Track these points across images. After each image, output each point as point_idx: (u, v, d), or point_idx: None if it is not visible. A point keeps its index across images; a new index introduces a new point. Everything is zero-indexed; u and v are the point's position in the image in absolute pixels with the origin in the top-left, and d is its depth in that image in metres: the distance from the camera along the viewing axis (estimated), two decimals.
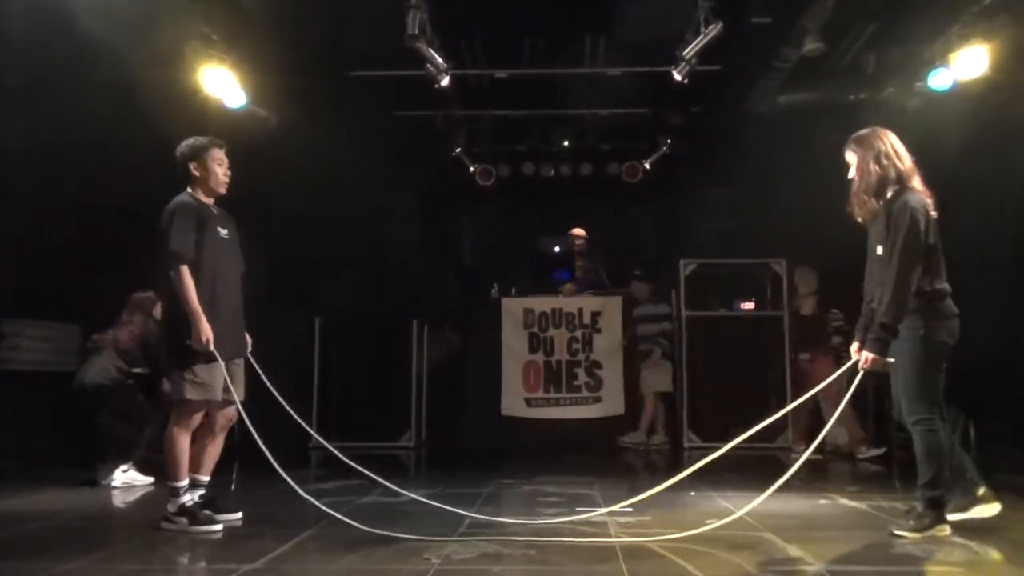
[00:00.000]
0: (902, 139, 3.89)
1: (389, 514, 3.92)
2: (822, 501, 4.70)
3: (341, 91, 7.82)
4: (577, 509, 4.33)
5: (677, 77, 6.62)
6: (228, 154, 4.08)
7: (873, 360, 3.60)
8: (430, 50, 6.23)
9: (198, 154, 4.00)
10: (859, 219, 3.85)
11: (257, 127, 7.28)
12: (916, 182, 3.71)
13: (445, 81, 6.69)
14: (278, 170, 7.90)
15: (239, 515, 4.07)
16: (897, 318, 3.57)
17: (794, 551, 3.42)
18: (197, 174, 4.00)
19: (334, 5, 6.29)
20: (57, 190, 6.56)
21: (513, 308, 7.97)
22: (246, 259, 4.22)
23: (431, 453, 7.80)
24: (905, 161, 3.73)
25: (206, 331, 3.74)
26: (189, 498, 3.86)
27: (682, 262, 8.02)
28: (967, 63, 6.14)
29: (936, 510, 3.61)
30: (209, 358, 3.77)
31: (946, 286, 3.66)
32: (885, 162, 3.70)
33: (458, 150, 9.55)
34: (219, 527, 3.82)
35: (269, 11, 6.24)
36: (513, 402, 7.77)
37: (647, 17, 6.48)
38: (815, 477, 5.86)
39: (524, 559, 3.27)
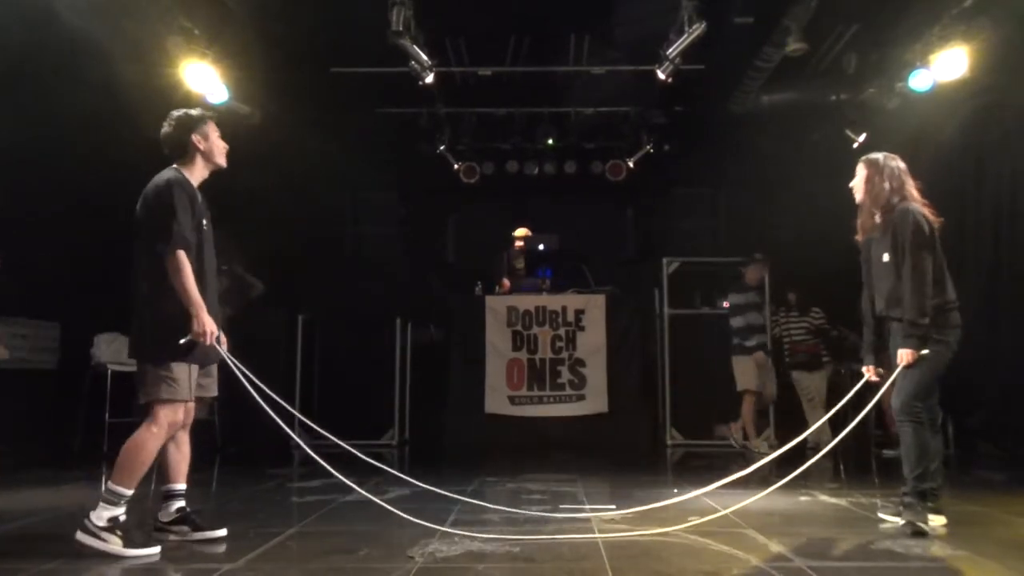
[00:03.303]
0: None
1: (373, 512, 3.90)
2: (803, 498, 4.73)
3: (325, 88, 7.78)
4: (560, 506, 4.35)
5: (661, 76, 6.65)
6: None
7: (911, 355, 3.72)
8: (414, 47, 6.21)
9: (199, 125, 3.65)
10: (858, 237, 4.05)
11: (239, 123, 7.22)
12: (915, 199, 3.92)
13: (429, 78, 6.67)
14: (261, 167, 7.83)
15: (223, 532, 3.61)
16: (923, 311, 3.69)
17: (776, 547, 3.44)
18: (201, 147, 3.64)
19: (318, 0, 6.26)
20: (35, 186, 6.48)
21: (497, 306, 7.97)
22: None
23: (414, 451, 7.79)
24: (910, 184, 3.95)
25: (211, 324, 3.41)
26: (123, 511, 3.34)
27: (665, 260, 8.07)
28: (947, 64, 6.22)
29: (927, 501, 3.73)
30: (194, 357, 3.44)
31: (954, 298, 3.82)
32: (894, 183, 3.91)
33: (442, 147, 9.54)
34: (157, 550, 3.31)
35: (251, 5, 6.20)
36: (497, 400, 7.77)
37: (632, 16, 6.51)
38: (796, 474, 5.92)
39: (507, 557, 3.27)
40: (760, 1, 6.38)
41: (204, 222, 3.61)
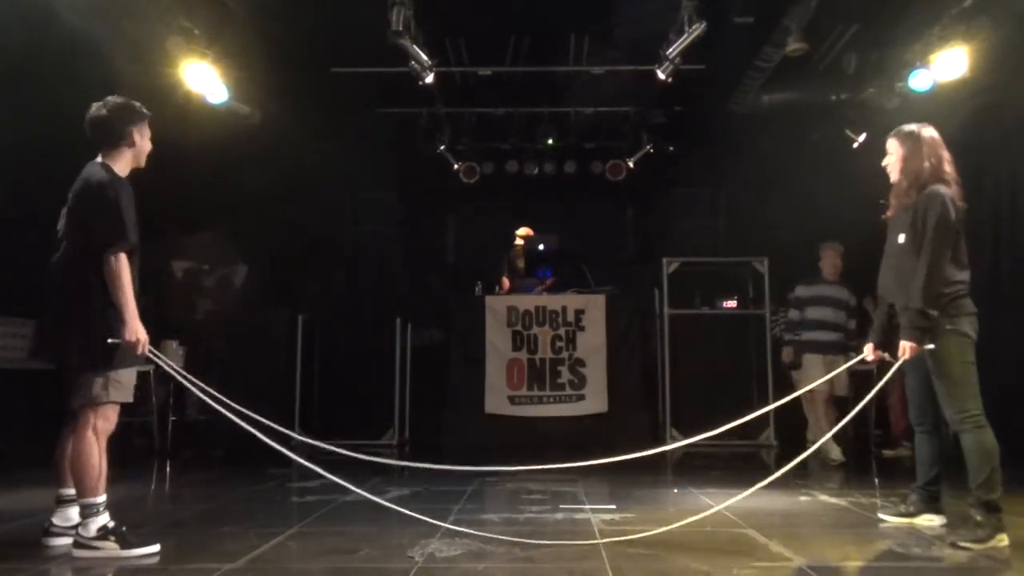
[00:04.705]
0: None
1: (373, 512, 3.90)
2: (803, 498, 4.73)
3: (325, 87, 7.78)
4: (560, 506, 4.35)
5: (661, 76, 6.65)
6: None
7: (912, 349, 3.53)
8: (414, 47, 6.21)
9: (139, 120, 3.58)
10: (889, 214, 3.80)
11: (239, 123, 7.22)
12: (950, 179, 3.66)
13: (429, 78, 6.68)
14: (261, 166, 7.84)
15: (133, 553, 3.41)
16: (931, 302, 3.47)
17: (776, 547, 3.44)
18: (136, 142, 3.58)
19: (318, 0, 6.26)
20: (33, 186, 6.47)
21: (497, 306, 7.97)
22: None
23: (414, 451, 7.79)
24: (947, 157, 3.68)
25: (142, 332, 3.34)
26: (108, 517, 3.30)
27: (665, 260, 8.06)
28: (947, 64, 6.22)
29: (994, 515, 3.43)
30: (137, 360, 3.39)
31: (968, 280, 3.60)
32: (934, 160, 3.64)
33: (442, 147, 9.54)
34: (156, 548, 3.32)
35: (251, 5, 6.19)
36: (497, 400, 7.77)
37: (632, 16, 6.51)
38: (796, 474, 5.91)
39: (507, 557, 3.27)
40: (760, 1, 6.38)
41: None
